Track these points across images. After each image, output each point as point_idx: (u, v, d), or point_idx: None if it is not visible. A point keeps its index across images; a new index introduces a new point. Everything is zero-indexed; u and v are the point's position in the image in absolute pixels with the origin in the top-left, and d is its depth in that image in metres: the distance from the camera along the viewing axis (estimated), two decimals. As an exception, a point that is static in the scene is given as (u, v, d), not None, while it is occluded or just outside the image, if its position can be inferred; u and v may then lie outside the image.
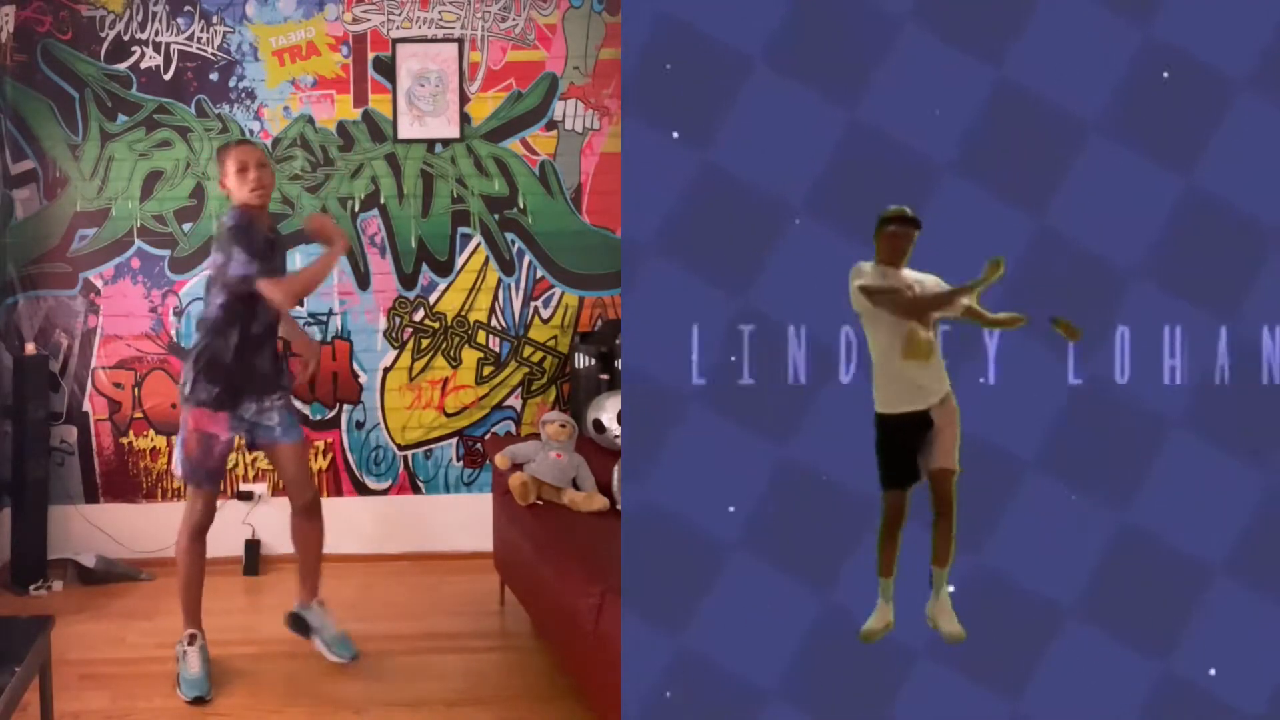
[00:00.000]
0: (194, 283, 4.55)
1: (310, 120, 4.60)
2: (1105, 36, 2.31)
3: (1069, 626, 2.27)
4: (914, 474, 2.36)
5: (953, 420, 2.35)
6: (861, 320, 2.34)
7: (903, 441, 2.34)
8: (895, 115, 2.31)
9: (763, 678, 2.25)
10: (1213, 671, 2.26)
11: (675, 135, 2.31)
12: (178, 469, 3.38)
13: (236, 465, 4.59)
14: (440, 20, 4.65)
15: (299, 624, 3.57)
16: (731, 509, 2.28)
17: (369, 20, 4.62)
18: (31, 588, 4.19)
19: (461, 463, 4.77)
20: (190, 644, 3.35)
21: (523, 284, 4.75)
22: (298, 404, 3.53)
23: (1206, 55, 2.32)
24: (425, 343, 4.72)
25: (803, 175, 2.31)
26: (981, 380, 2.36)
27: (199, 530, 3.38)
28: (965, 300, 2.28)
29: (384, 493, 4.73)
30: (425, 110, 4.64)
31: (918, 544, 2.31)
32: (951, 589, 2.32)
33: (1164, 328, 2.32)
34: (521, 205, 4.71)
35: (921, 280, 2.35)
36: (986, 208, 2.31)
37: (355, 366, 4.69)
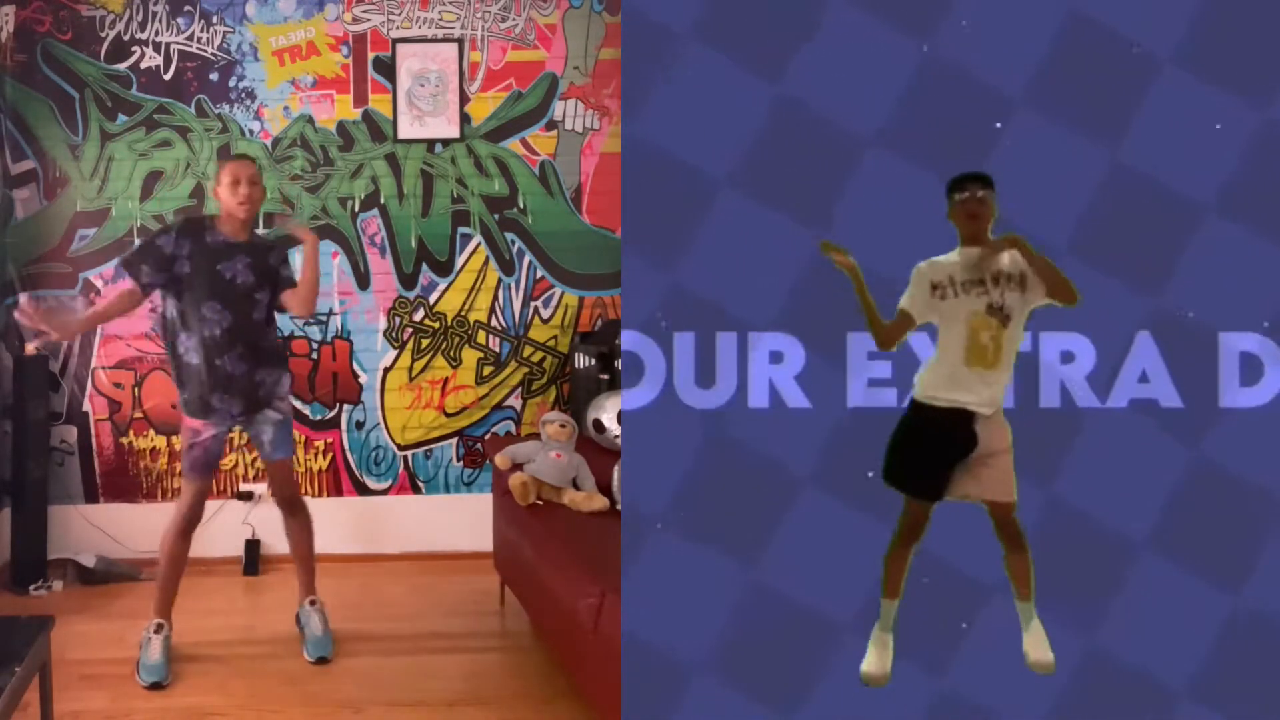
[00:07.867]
0: (194, 283, 4.55)
1: (310, 120, 4.60)
2: (1074, 163, 2.36)
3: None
4: (938, 488, 2.20)
5: (1005, 444, 2.22)
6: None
7: (936, 444, 2.19)
8: (861, 236, 2.35)
9: None
10: None
11: (654, 253, 2.41)
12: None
13: (236, 465, 4.58)
14: (440, 20, 4.65)
15: (298, 623, 3.60)
16: (704, 631, 2.34)
17: (369, 20, 4.62)
18: (31, 588, 4.19)
19: (461, 463, 4.77)
20: (156, 632, 3.42)
21: (523, 284, 4.75)
22: (297, 404, 3.49)
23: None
24: (425, 343, 4.72)
25: (771, 294, 2.40)
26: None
27: (184, 525, 3.44)
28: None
29: (384, 493, 4.72)
30: (425, 110, 4.64)
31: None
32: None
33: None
34: (521, 205, 4.71)
35: (1009, 260, 2.21)
36: None
37: (355, 366, 4.69)
